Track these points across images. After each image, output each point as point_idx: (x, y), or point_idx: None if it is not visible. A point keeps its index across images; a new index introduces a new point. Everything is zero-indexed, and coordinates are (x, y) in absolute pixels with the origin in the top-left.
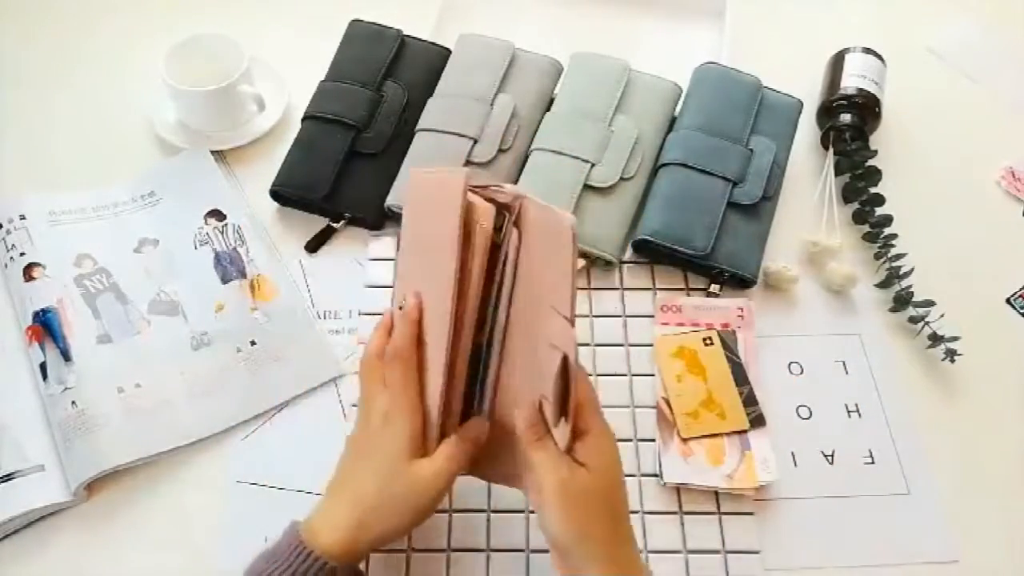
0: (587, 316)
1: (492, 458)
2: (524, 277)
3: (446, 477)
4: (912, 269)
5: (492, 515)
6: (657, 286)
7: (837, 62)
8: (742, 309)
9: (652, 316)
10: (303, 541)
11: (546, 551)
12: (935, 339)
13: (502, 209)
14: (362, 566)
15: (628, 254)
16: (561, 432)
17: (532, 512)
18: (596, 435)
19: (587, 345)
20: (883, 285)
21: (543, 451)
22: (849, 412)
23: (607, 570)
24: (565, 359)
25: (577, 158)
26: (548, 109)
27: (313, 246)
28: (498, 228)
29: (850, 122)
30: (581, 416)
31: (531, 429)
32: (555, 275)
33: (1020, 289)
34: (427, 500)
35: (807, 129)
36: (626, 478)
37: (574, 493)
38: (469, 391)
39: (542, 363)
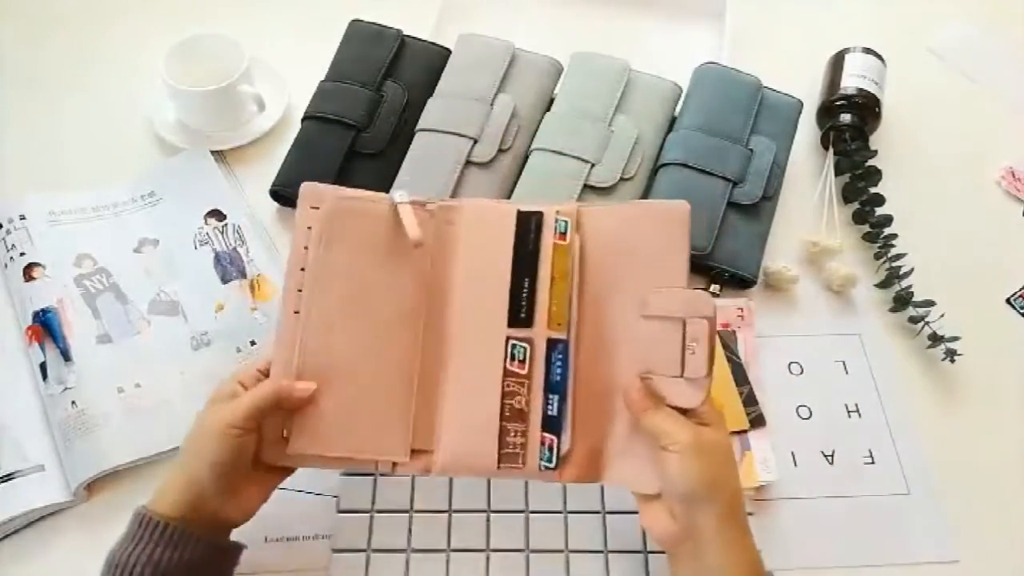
0: None
1: (598, 438)
2: (595, 276)
3: (235, 410)
4: (912, 269)
5: (492, 515)
6: None
7: (837, 62)
8: (742, 309)
9: None
10: (141, 511)
11: (546, 551)
12: (935, 339)
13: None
14: (363, 566)
15: None
16: (690, 392)
17: (533, 512)
18: (708, 404)
19: None
20: (883, 285)
21: (664, 414)
22: (849, 412)
23: (727, 523)
24: (710, 321)
25: (577, 158)
26: (548, 109)
27: None
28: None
29: (850, 122)
30: None
31: (646, 399)
32: (649, 259)
33: (1020, 289)
34: (218, 428)
35: (807, 129)
36: None
37: (708, 447)
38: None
39: (642, 338)
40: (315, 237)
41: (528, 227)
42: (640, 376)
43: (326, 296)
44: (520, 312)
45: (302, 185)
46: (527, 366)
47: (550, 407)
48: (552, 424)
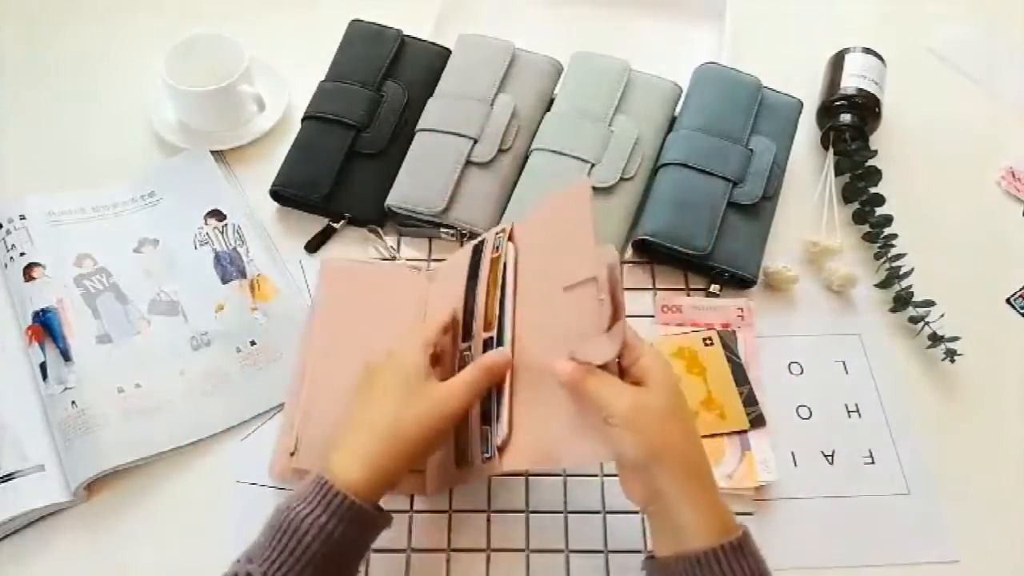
0: None
1: (538, 428)
2: (526, 275)
3: (460, 398)
4: (912, 269)
5: (492, 515)
6: (657, 286)
7: (837, 62)
8: (742, 309)
9: (652, 316)
10: (326, 480)
11: (545, 551)
12: (935, 339)
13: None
14: (363, 568)
15: (628, 254)
16: (607, 344)
17: (533, 512)
18: (649, 357)
19: None
20: (883, 285)
21: (599, 378)
22: (849, 412)
23: (685, 482)
24: (610, 266)
25: (577, 158)
26: (548, 109)
27: (313, 246)
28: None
29: (850, 122)
30: (627, 346)
31: (578, 368)
32: (564, 242)
33: (1020, 289)
34: (440, 419)
35: (807, 129)
36: None
37: (643, 411)
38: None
39: (566, 317)
40: (326, 288)
41: (477, 254)
42: (571, 353)
43: (332, 334)
44: (468, 327)
45: (322, 259)
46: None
47: (488, 402)
48: (486, 417)
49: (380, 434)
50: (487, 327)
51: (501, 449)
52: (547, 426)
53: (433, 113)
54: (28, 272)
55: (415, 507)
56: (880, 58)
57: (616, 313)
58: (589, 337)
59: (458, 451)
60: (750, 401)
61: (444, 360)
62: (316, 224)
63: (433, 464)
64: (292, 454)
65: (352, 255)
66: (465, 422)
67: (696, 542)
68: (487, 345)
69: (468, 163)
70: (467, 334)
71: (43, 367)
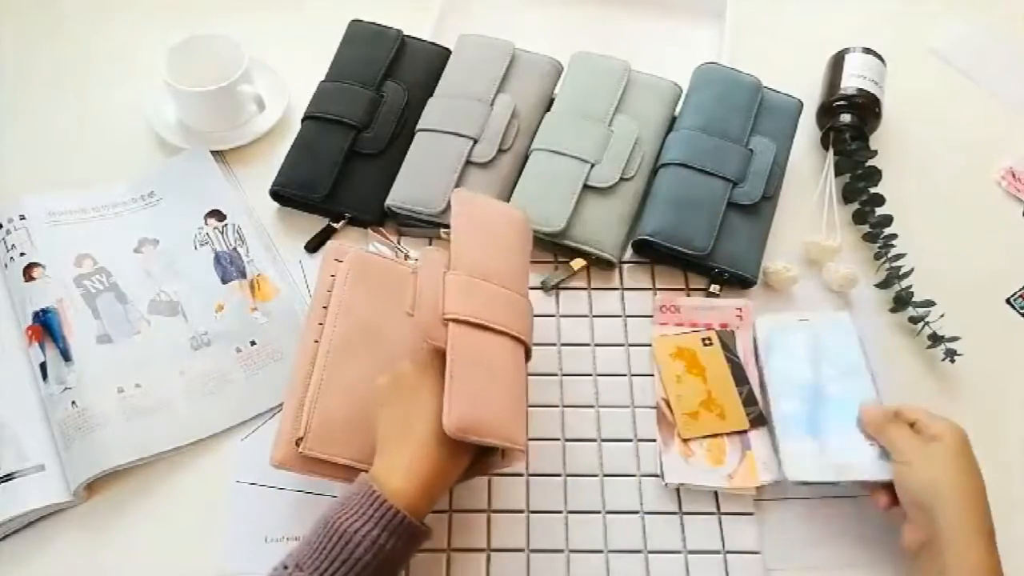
0: (587, 316)
1: None
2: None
3: None
4: (912, 269)
5: (492, 515)
6: (657, 286)
7: (837, 62)
8: (740, 309)
9: (652, 316)
10: (378, 493)
11: (545, 551)
12: (935, 339)
13: None
14: None
15: (628, 254)
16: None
17: (533, 512)
18: (944, 424)
19: (587, 345)
20: (883, 285)
21: (899, 427)
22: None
23: (959, 527)
24: None
25: (577, 158)
26: (548, 109)
27: (313, 246)
28: None
29: (850, 122)
30: (923, 420)
31: (883, 413)
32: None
33: (1020, 289)
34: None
35: (807, 129)
36: (626, 478)
37: (931, 457)
38: None
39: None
40: (341, 276)
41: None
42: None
43: (348, 323)
44: None
45: (329, 244)
46: None
47: None
48: None
49: (428, 453)
50: None
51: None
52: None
53: (433, 113)
54: (28, 272)
55: None
56: (880, 58)
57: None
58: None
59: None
60: (750, 401)
61: None
62: (316, 224)
63: None
64: (299, 442)
65: None
66: None
67: None
68: None
69: (468, 163)
70: None
71: (43, 367)
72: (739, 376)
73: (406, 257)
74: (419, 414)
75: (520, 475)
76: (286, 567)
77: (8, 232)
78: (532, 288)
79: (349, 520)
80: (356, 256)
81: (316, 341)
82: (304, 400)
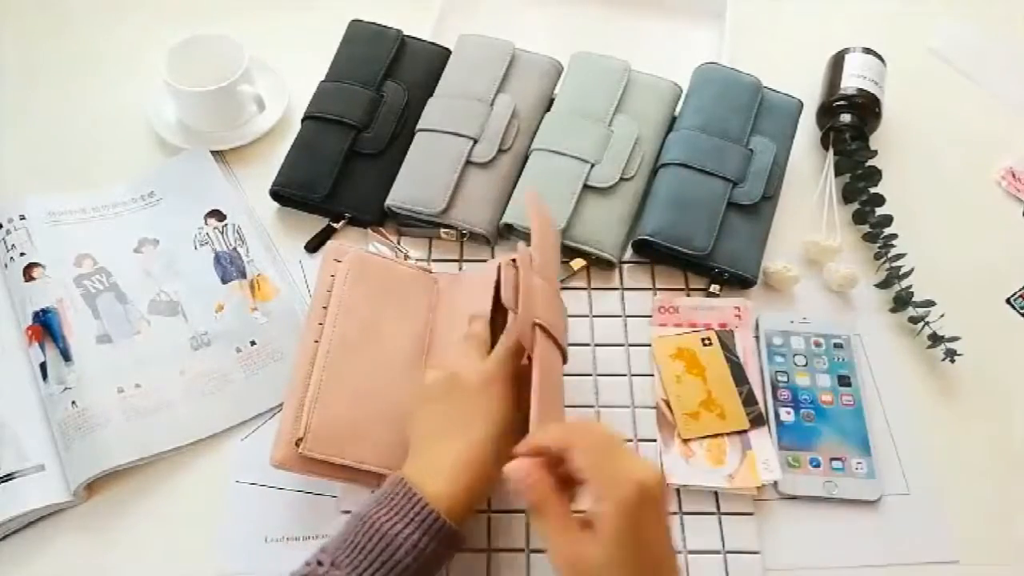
0: (587, 316)
1: None
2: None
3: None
4: (912, 269)
5: (492, 515)
6: (657, 286)
7: (837, 62)
8: (739, 309)
9: (650, 316)
10: (417, 495)
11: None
12: (935, 339)
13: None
14: None
15: (628, 254)
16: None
17: None
18: (609, 501)
19: (587, 345)
20: (883, 285)
21: (549, 516)
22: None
23: None
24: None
25: (577, 158)
26: (548, 109)
27: (313, 246)
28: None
29: (850, 122)
30: (571, 457)
31: (533, 492)
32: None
33: (1020, 289)
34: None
35: (807, 129)
36: None
37: (577, 565)
38: None
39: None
40: (340, 276)
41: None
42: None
43: (348, 323)
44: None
45: (328, 244)
46: None
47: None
48: None
49: (483, 457)
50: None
51: None
52: None
53: (433, 113)
54: (28, 272)
55: None
56: (880, 58)
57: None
58: None
59: None
60: (750, 401)
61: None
62: (316, 224)
63: None
64: (299, 442)
65: None
66: None
67: None
68: None
69: (468, 163)
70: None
71: (43, 367)
72: (739, 376)
73: (406, 257)
74: (477, 415)
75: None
76: (320, 563)
77: (8, 232)
78: None
79: (390, 521)
80: (356, 256)
81: (316, 341)
82: (304, 400)
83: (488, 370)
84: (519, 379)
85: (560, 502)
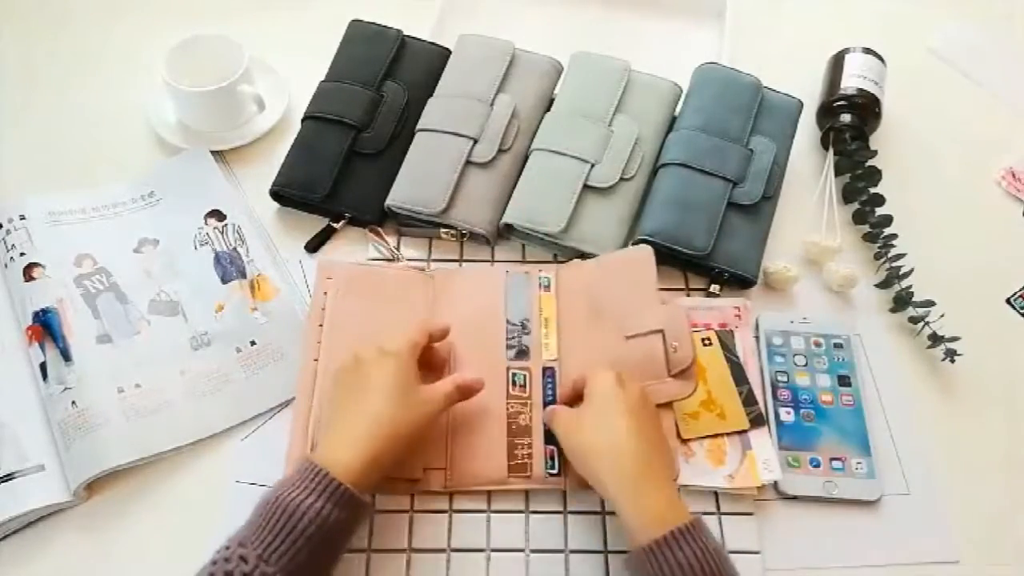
0: None
1: None
2: (568, 313)
3: (439, 405)
4: (912, 269)
5: (492, 515)
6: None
7: (837, 62)
8: (739, 308)
9: None
10: (319, 467)
11: (545, 551)
12: (935, 339)
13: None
14: (363, 566)
15: None
16: (681, 385)
17: (533, 512)
18: (590, 373)
19: None
20: (883, 285)
21: (559, 413)
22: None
23: (618, 489)
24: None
25: (577, 158)
26: (548, 109)
27: (313, 246)
28: None
29: (850, 122)
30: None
31: (553, 411)
32: (624, 294)
33: (1020, 289)
34: (425, 423)
35: (807, 129)
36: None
37: (573, 432)
38: None
39: (629, 359)
40: (332, 293)
41: (516, 282)
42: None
43: (343, 335)
44: (516, 348)
45: (319, 261)
46: (528, 390)
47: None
48: (550, 438)
49: (376, 431)
50: (547, 356)
51: (564, 468)
52: None
53: (433, 113)
54: (28, 272)
55: (415, 507)
56: (880, 58)
57: (692, 360)
58: (653, 380)
59: (514, 462)
60: (750, 401)
61: (434, 363)
62: (316, 224)
63: (477, 463)
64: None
65: (352, 255)
66: (524, 435)
67: (634, 541)
68: (546, 371)
69: (468, 163)
70: (522, 353)
71: (43, 367)
72: (739, 376)
73: (395, 259)
74: (374, 391)
75: None
76: (228, 547)
77: (8, 232)
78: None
79: (293, 495)
80: (343, 275)
81: (315, 360)
82: (309, 419)
83: (390, 351)
84: (427, 363)
85: (565, 409)
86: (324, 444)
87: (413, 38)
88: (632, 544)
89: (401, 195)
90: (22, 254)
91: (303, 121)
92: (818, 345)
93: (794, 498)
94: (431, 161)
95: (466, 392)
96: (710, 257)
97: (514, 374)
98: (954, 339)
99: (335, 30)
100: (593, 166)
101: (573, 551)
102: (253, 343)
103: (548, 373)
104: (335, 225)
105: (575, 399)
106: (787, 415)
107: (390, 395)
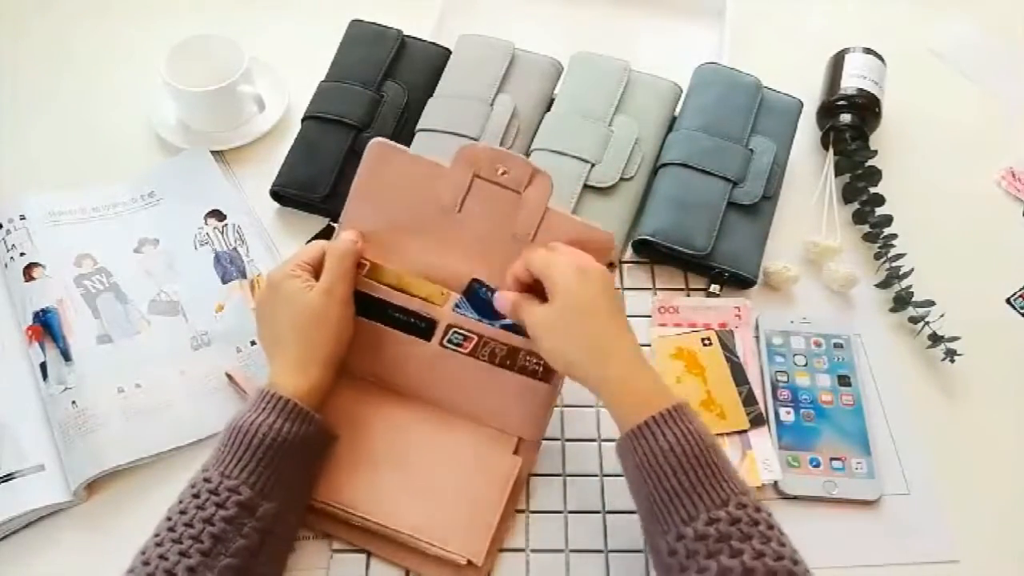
0: None
1: None
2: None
3: (328, 291)
4: (912, 269)
5: None
6: (657, 286)
7: (837, 62)
8: (739, 308)
9: (650, 316)
10: (270, 390)
11: (545, 551)
12: (935, 339)
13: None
14: (363, 567)
15: (628, 254)
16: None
17: (533, 512)
18: (554, 269)
19: None
20: (883, 285)
21: (525, 303)
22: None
23: (600, 380)
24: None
25: (577, 158)
26: (548, 109)
27: None
28: None
29: (850, 122)
30: (536, 259)
31: (513, 297)
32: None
33: (1020, 289)
34: (337, 315)
35: (807, 129)
36: None
37: (544, 327)
38: None
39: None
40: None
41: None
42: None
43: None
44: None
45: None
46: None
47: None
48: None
49: (291, 346)
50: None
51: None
52: None
53: (433, 113)
54: (28, 272)
55: None
56: (880, 58)
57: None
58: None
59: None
60: (749, 401)
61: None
62: (316, 224)
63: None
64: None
65: None
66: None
67: (622, 429)
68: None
69: None
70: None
71: (43, 367)
72: (739, 376)
73: None
74: (275, 320)
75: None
76: (192, 481)
77: (8, 232)
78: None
79: (246, 417)
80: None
81: None
82: None
83: (274, 276)
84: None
85: (528, 299)
86: (270, 373)
87: (413, 38)
88: (621, 430)
89: None
90: (22, 254)
91: (303, 121)
92: (818, 345)
93: (794, 498)
94: None
95: (345, 254)
96: (710, 257)
97: (449, 341)
98: (954, 339)
99: (335, 30)
100: (593, 166)
101: (573, 551)
102: (253, 343)
103: (467, 295)
104: (335, 225)
105: (527, 287)
106: (787, 415)
107: (285, 314)
